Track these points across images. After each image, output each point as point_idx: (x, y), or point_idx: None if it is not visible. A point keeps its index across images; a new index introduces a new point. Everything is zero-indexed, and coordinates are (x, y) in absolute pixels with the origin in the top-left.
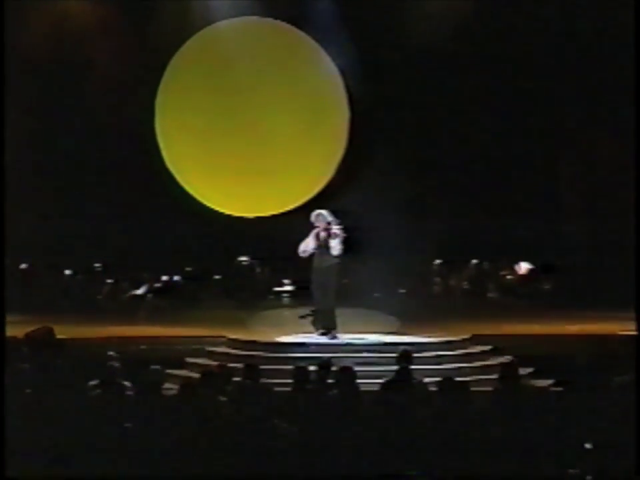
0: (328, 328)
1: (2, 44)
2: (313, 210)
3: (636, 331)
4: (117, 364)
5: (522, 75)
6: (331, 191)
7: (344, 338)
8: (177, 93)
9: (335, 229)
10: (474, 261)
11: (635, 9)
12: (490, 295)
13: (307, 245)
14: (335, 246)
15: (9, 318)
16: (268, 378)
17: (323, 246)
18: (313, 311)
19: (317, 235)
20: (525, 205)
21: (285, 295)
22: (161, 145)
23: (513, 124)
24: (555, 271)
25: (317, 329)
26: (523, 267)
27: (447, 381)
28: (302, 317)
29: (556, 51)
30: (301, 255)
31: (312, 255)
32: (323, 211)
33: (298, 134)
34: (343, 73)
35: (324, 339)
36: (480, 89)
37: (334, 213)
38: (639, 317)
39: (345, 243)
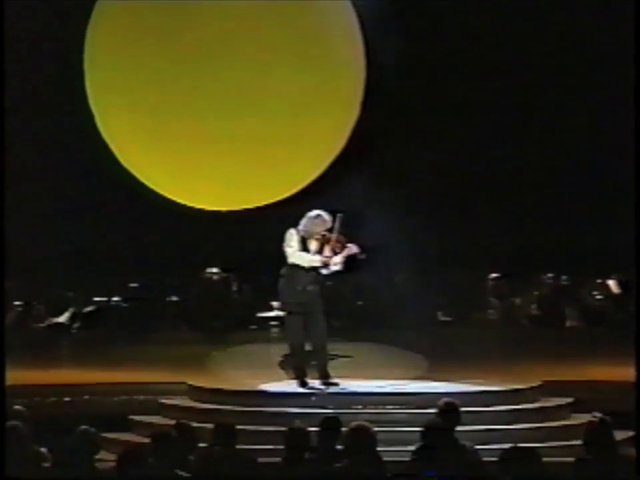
0: (322, 377)
1: (2, 43)
2: (310, 201)
3: None
4: (27, 424)
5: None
6: (336, 177)
7: (357, 385)
8: (110, 39)
9: (338, 237)
10: (547, 275)
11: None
12: (570, 322)
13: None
14: (337, 263)
15: None
16: (248, 443)
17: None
18: (287, 354)
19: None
20: (620, 200)
21: (274, 323)
22: (94, 109)
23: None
24: None
25: (298, 378)
26: (617, 283)
27: (510, 449)
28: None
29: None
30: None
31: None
32: (324, 213)
33: (292, 97)
34: (363, 24)
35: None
36: (535, 65)
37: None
38: None
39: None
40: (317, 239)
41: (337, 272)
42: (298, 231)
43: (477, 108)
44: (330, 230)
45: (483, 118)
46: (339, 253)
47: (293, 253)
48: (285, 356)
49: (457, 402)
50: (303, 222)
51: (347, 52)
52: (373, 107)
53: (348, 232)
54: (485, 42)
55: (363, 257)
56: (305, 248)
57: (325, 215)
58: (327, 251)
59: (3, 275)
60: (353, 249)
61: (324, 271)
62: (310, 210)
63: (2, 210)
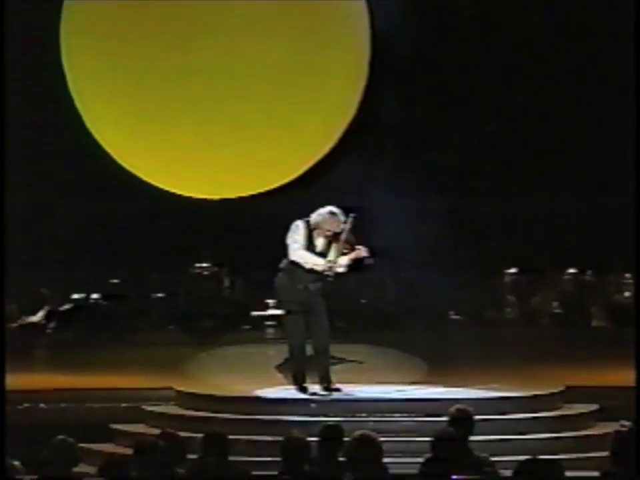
0: (323, 382)
1: (2, 44)
2: (309, 189)
3: None
4: None
5: None
6: (338, 162)
7: (361, 391)
8: (87, 21)
9: (348, 238)
10: (570, 270)
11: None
12: (595, 322)
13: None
14: (342, 265)
15: None
16: (242, 454)
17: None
18: (287, 359)
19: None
20: None
21: (270, 322)
22: (75, 95)
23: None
24: None
25: (297, 383)
26: None
27: (529, 461)
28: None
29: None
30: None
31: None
32: (339, 211)
33: (290, 75)
34: None
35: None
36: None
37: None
38: None
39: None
40: (325, 236)
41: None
42: (306, 224)
43: (491, 87)
44: (341, 231)
45: (498, 97)
46: (347, 254)
47: (297, 250)
48: (283, 359)
49: (470, 409)
50: (314, 215)
51: (350, 27)
52: (378, 85)
53: (358, 232)
54: (495, 14)
55: (370, 261)
56: (310, 243)
57: (340, 215)
58: (334, 250)
59: (3, 274)
60: (361, 252)
61: (327, 273)
62: (308, 199)
63: (2, 209)
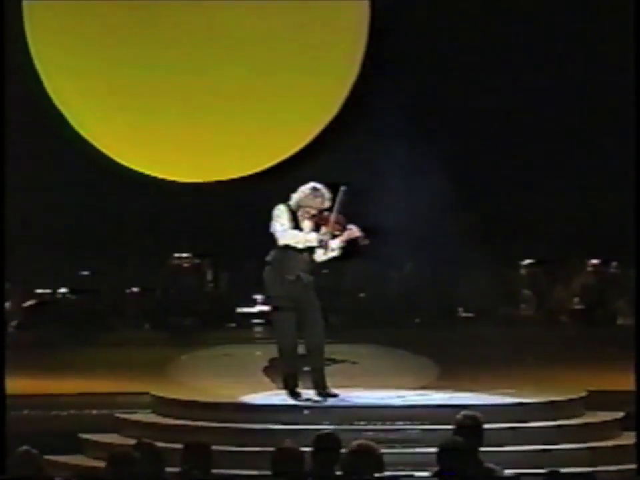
0: (318, 387)
1: (2, 44)
2: (302, 170)
3: None
4: None
5: None
6: (333, 141)
7: (359, 397)
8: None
9: (337, 217)
10: (593, 262)
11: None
12: (621, 319)
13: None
14: (334, 248)
15: None
16: (227, 467)
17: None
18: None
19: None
20: None
21: (257, 320)
22: (42, 74)
23: None
24: None
25: (288, 387)
26: None
27: (548, 474)
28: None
29: None
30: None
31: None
32: (321, 186)
33: (283, 45)
34: None
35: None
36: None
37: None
38: None
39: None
40: (311, 218)
41: (333, 258)
42: (289, 207)
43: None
44: (330, 207)
45: (510, 86)
46: (338, 236)
47: (284, 231)
48: (273, 360)
49: (479, 415)
50: (296, 196)
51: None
52: (377, 62)
53: (349, 210)
54: None
55: (365, 242)
56: (296, 228)
57: (324, 189)
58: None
59: (4, 272)
60: (354, 232)
61: (318, 258)
62: (302, 181)
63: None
